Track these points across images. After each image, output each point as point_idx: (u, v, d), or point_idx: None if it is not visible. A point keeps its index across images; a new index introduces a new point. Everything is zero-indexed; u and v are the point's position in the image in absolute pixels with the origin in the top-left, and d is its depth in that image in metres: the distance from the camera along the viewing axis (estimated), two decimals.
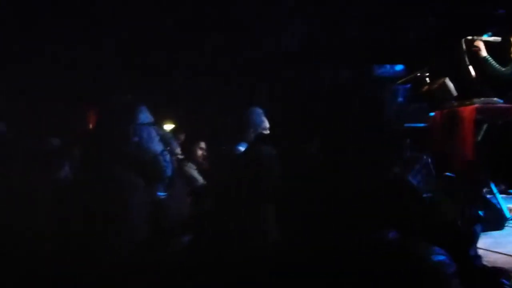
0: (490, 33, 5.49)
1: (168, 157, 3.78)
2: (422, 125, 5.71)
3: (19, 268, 1.65)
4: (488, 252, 2.87)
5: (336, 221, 0.90)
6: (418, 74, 4.57)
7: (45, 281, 1.61)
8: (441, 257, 0.82)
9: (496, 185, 4.36)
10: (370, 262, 0.83)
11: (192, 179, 4.27)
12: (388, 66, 9.01)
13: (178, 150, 4.51)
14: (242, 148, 3.24)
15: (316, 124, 1.18)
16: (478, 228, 1.14)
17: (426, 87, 4.43)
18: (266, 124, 3.48)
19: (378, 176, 0.90)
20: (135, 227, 2.02)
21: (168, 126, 9.38)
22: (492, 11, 7.35)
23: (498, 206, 3.76)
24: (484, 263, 2.65)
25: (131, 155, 2.11)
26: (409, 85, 6.16)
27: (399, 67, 8.78)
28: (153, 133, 2.23)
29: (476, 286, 1.02)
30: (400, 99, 7.67)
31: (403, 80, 4.82)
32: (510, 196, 5.56)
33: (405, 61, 8.06)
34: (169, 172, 2.35)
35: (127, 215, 1.96)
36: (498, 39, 4.34)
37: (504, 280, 0.88)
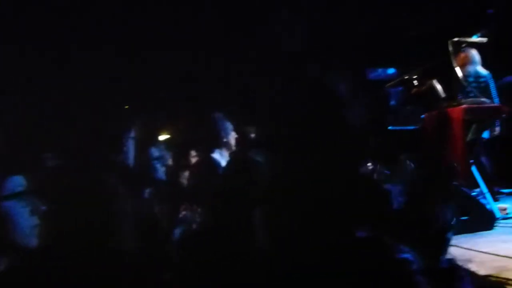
0: (478, 34, 5.56)
1: (159, 166, 3.82)
2: (413, 127, 5.78)
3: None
4: (477, 252, 2.89)
5: (307, 221, 0.92)
6: (407, 77, 4.61)
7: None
8: (406, 255, 0.84)
9: (487, 186, 4.40)
10: (339, 260, 0.86)
11: (185, 187, 4.28)
12: (380, 70, 9.08)
13: (170, 160, 4.54)
14: (216, 156, 3.28)
15: (292, 126, 1.21)
16: (453, 227, 1.16)
17: (415, 90, 4.47)
18: (231, 129, 3.52)
19: (347, 176, 0.93)
20: (122, 233, 2.04)
21: (164, 136, 9.42)
22: (480, 12, 7.42)
23: (488, 206, 3.79)
24: (472, 263, 2.70)
25: (119, 164, 2.15)
26: (401, 88, 6.23)
27: (391, 70, 8.85)
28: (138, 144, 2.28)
29: (442, 282, 1.04)
30: (392, 102, 7.76)
31: (391, 83, 4.87)
32: (502, 195, 5.62)
33: (396, 64, 8.14)
34: (158, 180, 2.39)
35: (113, 222, 1.98)
36: (484, 40, 4.40)
37: (462, 275, 0.90)
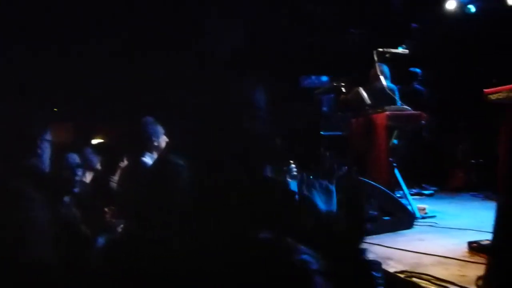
0: (403, 46, 5.89)
1: (80, 172, 3.68)
2: (341, 133, 6.01)
3: None
4: (396, 250, 3.04)
5: (209, 221, 0.93)
6: (335, 84, 4.79)
7: None
8: (305, 256, 0.87)
9: (409, 187, 4.67)
10: (240, 261, 0.87)
11: (113, 193, 4.16)
12: (314, 77, 9.36)
13: (98, 165, 4.39)
14: (146, 160, 3.23)
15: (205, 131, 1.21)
16: (367, 227, 1.21)
17: (342, 97, 4.66)
18: (162, 133, 3.50)
19: (251, 178, 0.95)
20: (38, 241, 1.94)
21: (96, 140, 9.08)
22: (405, 26, 7.91)
23: (408, 207, 4.01)
24: (392, 260, 2.86)
25: (32, 169, 2.04)
26: (332, 95, 6.46)
27: (324, 78, 9.16)
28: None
29: (349, 281, 1.08)
30: (324, 108, 8.01)
31: (321, 90, 5.03)
32: (422, 197, 5.98)
33: (328, 72, 8.44)
34: (77, 186, 2.29)
35: (26, 229, 1.88)
36: (406, 51, 4.67)
37: (375, 273, 0.95)
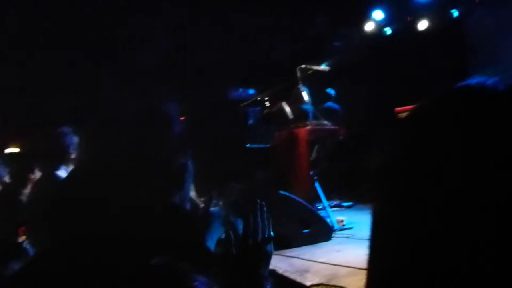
0: (326, 63, 6.15)
1: None
2: (266, 146, 6.11)
3: None
4: (314, 262, 3.13)
5: (106, 244, 0.88)
6: (258, 98, 4.87)
7: None
8: (197, 283, 0.84)
9: (329, 199, 4.84)
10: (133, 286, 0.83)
11: (22, 206, 3.85)
12: (241, 90, 9.43)
13: (7, 177, 4.05)
14: (61, 173, 3.06)
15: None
16: (269, 248, 1.20)
17: (266, 111, 4.74)
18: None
19: (150, 201, 0.91)
20: None
21: (10, 150, 8.41)
22: (329, 43, 8.28)
23: (327, 219, 4.15)
24: (309, 272, 2.93)
25: None
26: (258, 108, 6.55)
27: (251, 91, 9.27)
28: None
29: None
30: (250, 121, 8.10)
31: (246, 103, 5.09)
32: (342, 208, 6.23)
33: (255, 85, 8.57)
34: None
35: None
36: (327, 69, 4.87)
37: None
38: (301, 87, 4.50)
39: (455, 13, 6.78)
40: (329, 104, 6.68)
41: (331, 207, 6.08)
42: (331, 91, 6.74)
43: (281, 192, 3.64)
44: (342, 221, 4.42)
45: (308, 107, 4.62)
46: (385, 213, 0.55)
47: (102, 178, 0.93)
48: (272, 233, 1.22)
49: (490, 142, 0.45)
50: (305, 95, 4.60)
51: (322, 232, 3.83)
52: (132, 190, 0.92)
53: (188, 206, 1.04)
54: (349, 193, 7.25)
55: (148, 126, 0.93)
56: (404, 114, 2.57)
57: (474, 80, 0.51)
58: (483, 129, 0.46)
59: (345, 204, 6.34)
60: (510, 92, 0.49)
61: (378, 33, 7.65)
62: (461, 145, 0.47)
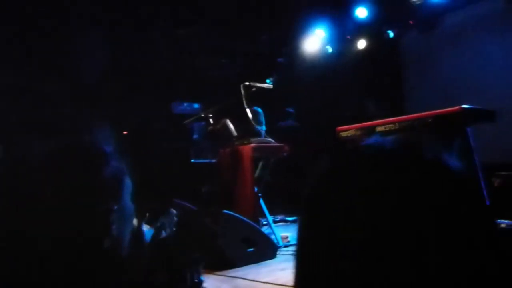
0: (270, 79, 6.21)
1: None
2: (211, 161, 6.04)
3: None
4: (258, 282, 3.10)
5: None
6: (202, 115, 4.82)
7: None
8: None
9: (274, 214, 4.85)
10: None
11: None
12: (185, 104, 9.32)
13: None
14: None
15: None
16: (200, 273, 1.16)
17: (210, 127, 4.69)
18: None
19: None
20: None
21: None
22: (273, 60, 8.41)
23: (272, 236, 4.15)
24: None
25: None
26: (203, 123, 6.49)
27: (196, 105, 9.18)
28: None
29: None
30: (195, 136, 8.00)
31: (189, 120, 5.01)
32: (287, 223, 6.29)
33: (200, 100, 8.50)
34: None
35: None
36: (271, 86, 4.91)
37: None
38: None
39: (391, 34, 7.13)
40: (289, 122, 6.78)
41: (276, 222, 6.12)
42: (290, 109, 6.85)
43: (225, 211, 3.60)
44: (287, 237, 4.44)
45: (256, 125, 4.64)
46: (304, 240, 0.65)
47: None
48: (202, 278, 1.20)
49: (384, 198, 0.56)
50: (249, 113, 4.62)
51: (267, 251, 3.82)
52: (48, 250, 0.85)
53: (126, 241, 0.98)
54: (294, 207, 7.34)
55: (64, 170, 0.86)
56: (345, 133, 2.63)
57: (371, 141, 0.65)
58: (375, 187, 0.58)
59: (290, 218, 6.41)
60: (398, 152, 0.61)
61: (321, 51, 7.89)
62: (358, 198, 0.58)
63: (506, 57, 6.00)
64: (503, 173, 5.17)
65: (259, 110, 4.99)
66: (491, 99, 4.65)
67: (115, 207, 0.86)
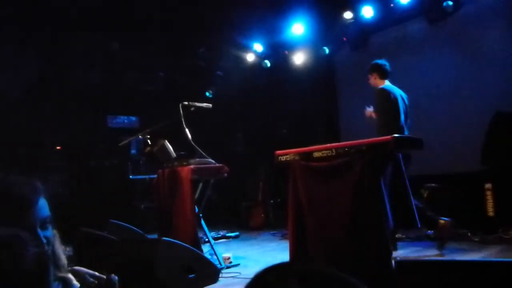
0: (209, 92, 6.12)
1: None
2: (150, 176, 5.86)
3: None
4: None
5: None
6: (140, 136, 4.68)
7: None
8: None
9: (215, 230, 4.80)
10: None
11: None
12: (123, 117, 9.03)
13: None
14: None
15: None
16: None
17: (148, 149, 4.57)
18: None
19: None
20: None
21: None
22: (211, 74, 8.38)
23: (214, 258, 4.10)
24: None
25: None
26: (142, 138, 6.30)
27: (133, 118, 8.92)
28: None
29: None
30: (133, 151, 7.75)
31: (123, 142, 4.85)
32: (229, 239, 6.28)
33: (138, 114, 8.28)
34: None
35: None
36: (210, 105, 4.86)
37: None
38: (185, 124, 4.42)
39: (326, 50, 7.36)
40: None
41: (218, 238, 6.09)
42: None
43: (164, 238, 3.51)
44: (229, 258, 4.42)
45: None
46: None
47: None
48: None
49: None
50: (188, 133, 4.53)
51: (209, 275, 3.76)
52: None
53: None
54: (235, 223, 7.35)
55: None
56: (283, 157, 2.65)
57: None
58: None
59: (231, 234, 6.40)
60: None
61: (259, 64, 7.97)
62: None
63: (426, 73, 6.44)
64: (432, 185, 5.52)
65: None
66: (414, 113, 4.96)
67: None
